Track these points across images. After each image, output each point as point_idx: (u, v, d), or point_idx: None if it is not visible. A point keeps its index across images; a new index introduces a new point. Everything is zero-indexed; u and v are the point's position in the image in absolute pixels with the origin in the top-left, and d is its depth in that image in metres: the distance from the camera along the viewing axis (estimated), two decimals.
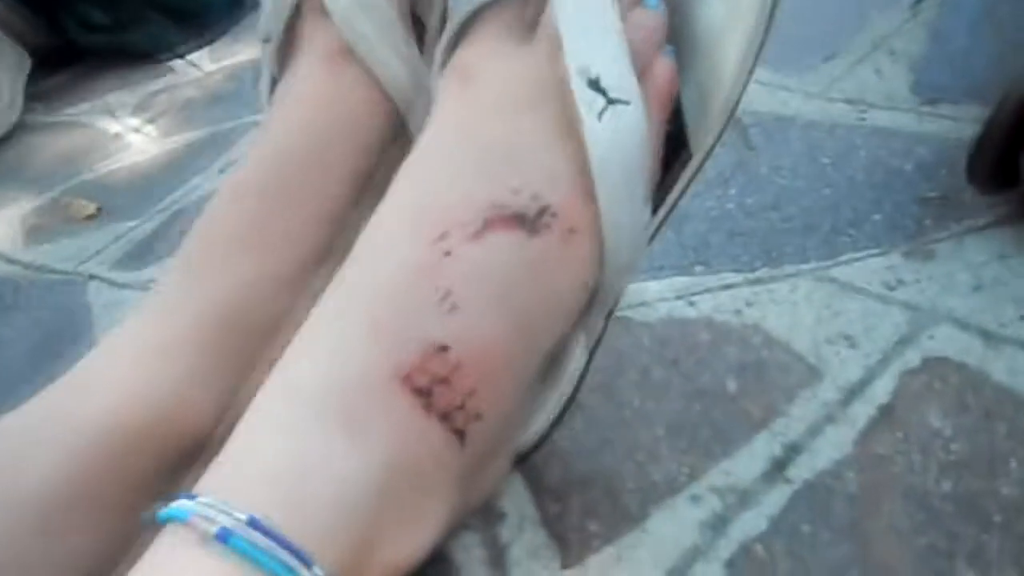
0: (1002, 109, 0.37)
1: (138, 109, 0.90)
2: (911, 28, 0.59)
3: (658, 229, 0.32)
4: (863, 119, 0.51)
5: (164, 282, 0.34)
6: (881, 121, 0.51)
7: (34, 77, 0.99)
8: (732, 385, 0.37)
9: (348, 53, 0.33)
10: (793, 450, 0.33)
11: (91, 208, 0.71)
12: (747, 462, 0.33)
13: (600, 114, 0.27)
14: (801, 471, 0.32)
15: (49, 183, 0.79)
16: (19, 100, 0.95)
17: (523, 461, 0.34)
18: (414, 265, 0.26)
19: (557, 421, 0.33)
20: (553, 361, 0.31)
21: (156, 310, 0.33)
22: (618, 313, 0.38)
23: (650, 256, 0.44)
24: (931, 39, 0.57)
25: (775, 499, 0.32)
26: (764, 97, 0.55)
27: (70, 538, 0.28)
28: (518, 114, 0.28)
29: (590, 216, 0.27)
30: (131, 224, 0.67)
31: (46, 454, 0.29)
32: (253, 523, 0.22)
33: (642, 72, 0.28)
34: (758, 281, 0.42)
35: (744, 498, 0.32)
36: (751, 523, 0.31)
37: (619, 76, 0.27)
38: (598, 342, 0.33)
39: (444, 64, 0.30)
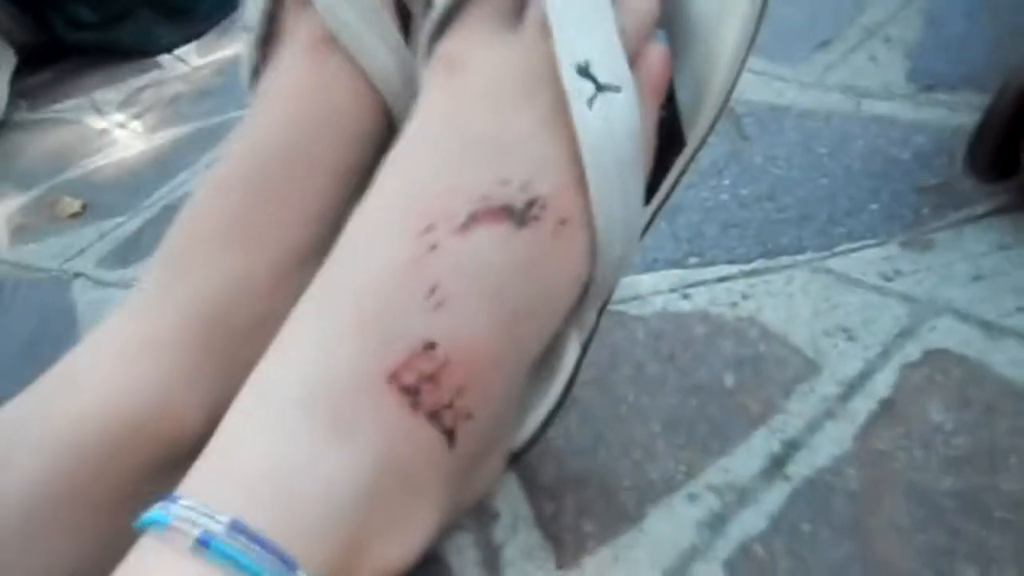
0: (1002, 97, 0.37)
1: (124, 105, 0.89)
2: (906, 14, 0.58)
3: (651, 220, 0.31)
4: (859, 108, 0.51)
5: (146, 279, 0.33)
6: (877, 109, 0.50)
7: (19, 75, 0.99)
8: (729, 380, 0.36)
9: (331, 43, 0.32)
10: (792, 446, 0.33)
11: (76, 205, 0.70)
12: (745, 459, 0.33)
13: (591, 101, 0.26)
14: (800, 468, 0.32)
15: (35, 181, 0.79)
16: (4, 97, 0.94)
17: (517, 460, 0.33)
18: (399, 260, 0.26)
19: (551, 418, 0.32)
20: (545, 357, 0.30)
21: (138, 307, 0.32)
22: (611, 307, 0.37)
23: (643, 248, 0.44)
24: (926, 25, 0.56)
25: (774, 497, 0.31)
26: (758, 86, 0.55)
27: (53, 539, 0.28)
28: (506, 103, 0.27)
29: (581, 207, 0.27)
30: (118, 221, 0.66)
31: (29, 454, 0.28)
32: (236, 526, 0.21)
33: (634, 58, 0.27)
34: (754, 273, 0.41)
35: (743, 496, 0.31)
36: (750, 522, 0.30)
37: (610, 62, 0.26)
38: (591, 337, 0.32)
39: (429, 52, 0.29)
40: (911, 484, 0.30)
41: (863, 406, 0.33)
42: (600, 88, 0.26)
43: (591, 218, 0.27)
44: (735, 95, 0.30)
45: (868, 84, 0.52)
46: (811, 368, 0.35)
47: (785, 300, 0.39)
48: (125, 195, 0.70)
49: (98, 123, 0.87)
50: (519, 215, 0.26)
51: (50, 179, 0.78)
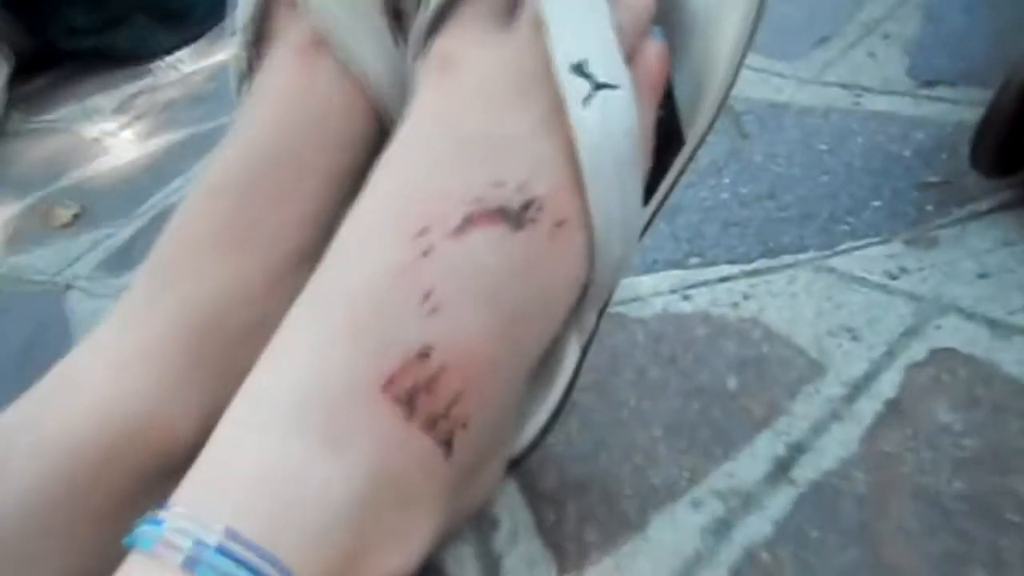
0: (1004, 93, 0.36)
1: (118, 112, 0.89)
2: (905, 10, 0.57)
3: (650, 221, 0.31)
4: (859, 104, 0.50)
5: (135, 288, 0.32)
6: (877, 106, 0.49)
7: (13, 82, 0.98)
8: (732, 382, 0.35)
9: (322, 43, 0.32)
10: (797, 450, 0.32)
11: (70, 213, 0.70)
12: (749, 463, 0.32)
13: (587, 100, 0.25)
14: (806, 472, 0.31)
15: (29, 188, 0.78)
16: (2, 101, 0.94)
17: (517, 466, 0.33)
18: (393, 264, 0.25)
19: (551, 424, 0.31)
20: (544, 361, 0.30)
21: (128, 316, 0.32)
22: (611, 309, 0.36)
23: (643, 249, 0.43)
24: (925, 20, 0.56)
25: (780, 502, 0.30)
26: (756, 84, 0.54)
27: (49, 544, 0.28)
28: (501, 103, 0.27)
29: (579, 208, 0.26)
30: (112, 228, 0.66)
31: (20, 465, 0.28)
32: (230, 535, 0.21)
33: (631, 55, 0.27)
34: (755, 273, 0.41)
35: (747, 501, 0.31)
36: (755, 528, 0.30)
37: (606, 60, 0.26)
38: (591, 340, 0.31)
39: (422, 52, 0.29)
40: (919, 487, 0.30)
41: (869, 407, 0.33)
42: (597, 87, 0.25)
43: (589, 219, 0.26)
44: (734, 93, 0.29)
45: (867, 80, 0.52)
46: (815, 369, 0.35)
47: (788, 300, 0.39)
48: (120, 202, 0.69)
49: (92, 130, 0.86)
50: (515, 217, 0.26)
51: (45, 187, 0.77)
